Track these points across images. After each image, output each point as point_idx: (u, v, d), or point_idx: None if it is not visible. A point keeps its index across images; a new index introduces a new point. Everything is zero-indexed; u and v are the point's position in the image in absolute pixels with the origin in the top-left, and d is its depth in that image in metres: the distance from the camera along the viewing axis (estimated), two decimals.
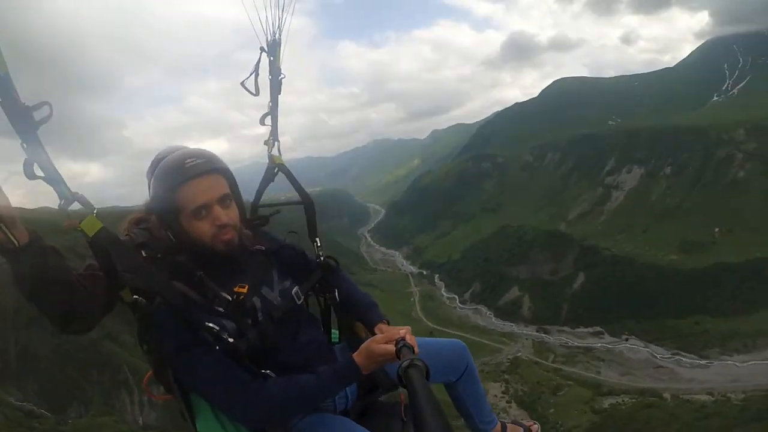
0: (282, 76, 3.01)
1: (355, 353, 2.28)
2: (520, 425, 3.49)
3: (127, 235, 2.46)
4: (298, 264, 2.75)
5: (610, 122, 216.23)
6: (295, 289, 2.62)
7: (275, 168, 2.94)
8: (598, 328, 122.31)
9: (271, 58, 2.98)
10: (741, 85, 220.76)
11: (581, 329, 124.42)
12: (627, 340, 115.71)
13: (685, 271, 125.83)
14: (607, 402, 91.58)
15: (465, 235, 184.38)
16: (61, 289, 2.02)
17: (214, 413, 2.38)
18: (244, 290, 2.35)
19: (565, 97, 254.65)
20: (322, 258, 2.82)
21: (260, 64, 2.95)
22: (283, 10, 2.92)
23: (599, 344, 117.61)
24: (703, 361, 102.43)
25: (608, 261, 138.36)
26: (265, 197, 3.07)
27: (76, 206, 1.99)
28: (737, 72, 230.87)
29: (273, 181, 2.99)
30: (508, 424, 3.45)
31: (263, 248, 2.65)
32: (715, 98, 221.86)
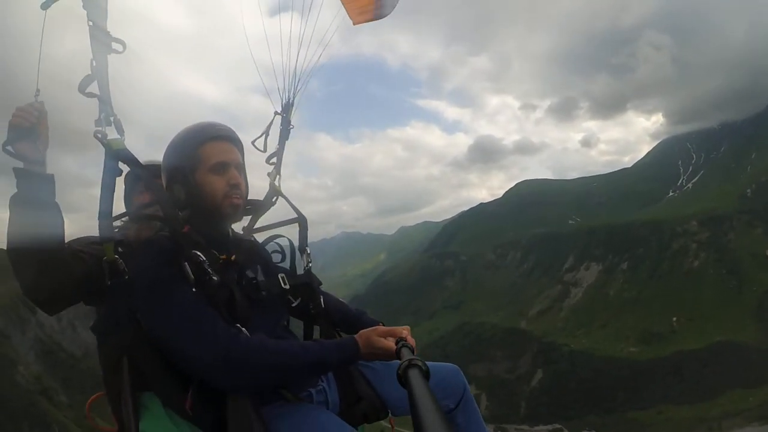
0: (291, 126, 3.37)
1: (356, 335, 2.21)
2: None
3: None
4: (283, 268, 2.75)
5: (570, 221, 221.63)
6: (282, 274, 2.62)
7: (274, 196, 3.07)
8: (558, 425, 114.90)
9: (284, 115, 3.34)
10: (695, 179, 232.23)
11: (540, 427, 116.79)
12: None
13: (645, 361, 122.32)
14: None
15: (426, 331, 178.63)
16: (51, 249, 2.10)
17: (167, 412, 2.15)
18: (232, 258, 2.34)
19: (528, 198, 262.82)
20: (310, 265, 2.82)
21: (272, 125, 3.29)
22: (298, 79, 3.34)
23: None
24: None
25: (567, 357, 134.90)
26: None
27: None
28: (691, 167, 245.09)
29: (270, 208, 3.08)
30: None
31: (251, 239, 2.77)
32: (671, 194, 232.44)
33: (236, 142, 2.49)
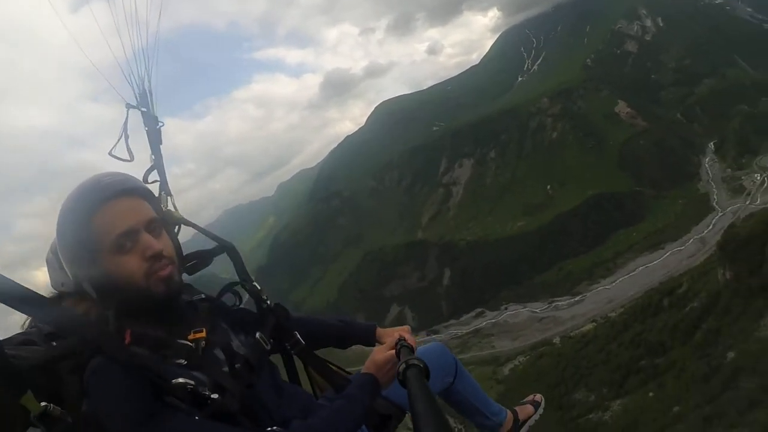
0: (160, 124, 2.68)
1: (363, 367, 2.08)
2: (527, 404, 3.43)
3: (31, 328, 1.88)
4: (246, 316, 2.30)
5: (434, 128, 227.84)
6: (258, 334, 2.13)
7: (175, 225, 2.30)
8: (479, 309, 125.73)
9: (144, 110, 2.64)
10: (539, 61, 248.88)
11: (465, 317, 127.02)
12: (506, 308, 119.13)
13: (534, 231, 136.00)
14: (507, 369, 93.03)
15: (336, 274, 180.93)
16: None
17: None
18: (203, 334, 1.83)
19: (391, 118, 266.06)
20: (269, 302, 2.35)
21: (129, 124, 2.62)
22: (148, 57, 2.66)
23: (484, 323, 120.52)
24: (577, 298, 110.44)
25: (466, 250, 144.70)
26: None
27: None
28: (533, 51, 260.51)
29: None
30: (516, 408, 3.32)
31: (203, 296, 2.17)
32: (520, 79, 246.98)
33: (137, 191, 1.88)
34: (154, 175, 2.54)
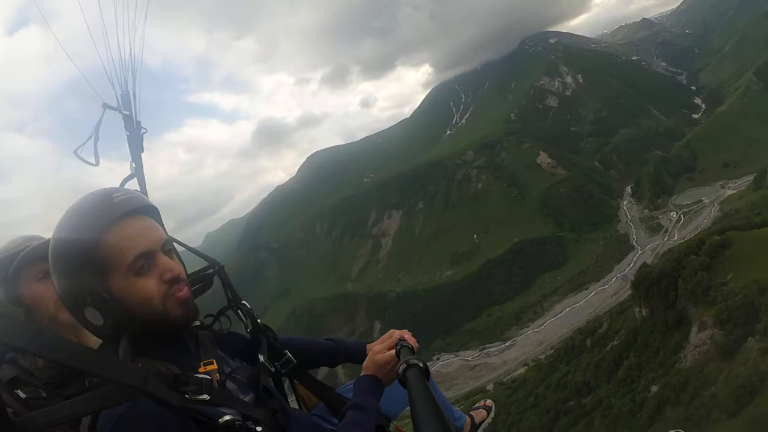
0: (143, 131, 2.53)
1: (363, 368, 2.04)
2: (480, 409, 3.59)
3: None
4: (237, 341, 2.18)
5: (365, 179, 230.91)
6: (262, 357, 2.05)
7: None
8: None
9: (126, 113, 2.49)
10: (466, 116, 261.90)
11: None
12: (438, 358, 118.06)
13: (462, 279, 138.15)
14: None
15: None
16: None
17: None
18: (214, 366, 1.69)
19: (322, 168, 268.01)
20: (258, 321, 2.23)
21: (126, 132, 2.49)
22: (133, 57, 2.50)
23: None
24: (507, 343, 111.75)
25: (395, 301, 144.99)
26: None
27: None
28: (462, 106, 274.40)
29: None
30: (471, 413, 3.47)
31: (199, 323, 2.00)
32: (448, 132, 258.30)
33: (149, 211, 1.72)
34: (131, 185, 2.31)
